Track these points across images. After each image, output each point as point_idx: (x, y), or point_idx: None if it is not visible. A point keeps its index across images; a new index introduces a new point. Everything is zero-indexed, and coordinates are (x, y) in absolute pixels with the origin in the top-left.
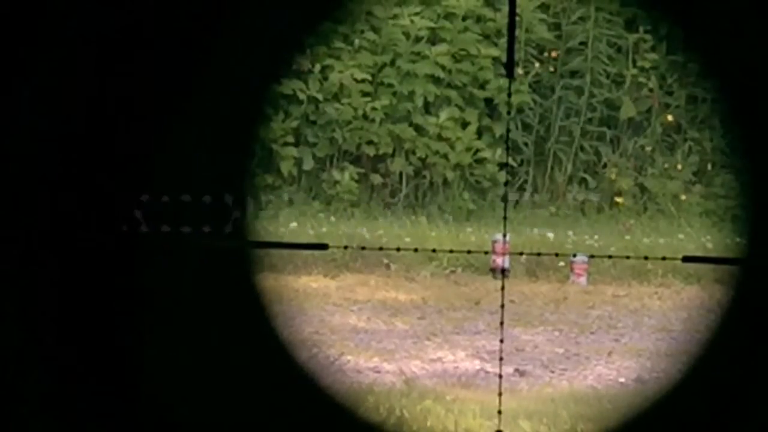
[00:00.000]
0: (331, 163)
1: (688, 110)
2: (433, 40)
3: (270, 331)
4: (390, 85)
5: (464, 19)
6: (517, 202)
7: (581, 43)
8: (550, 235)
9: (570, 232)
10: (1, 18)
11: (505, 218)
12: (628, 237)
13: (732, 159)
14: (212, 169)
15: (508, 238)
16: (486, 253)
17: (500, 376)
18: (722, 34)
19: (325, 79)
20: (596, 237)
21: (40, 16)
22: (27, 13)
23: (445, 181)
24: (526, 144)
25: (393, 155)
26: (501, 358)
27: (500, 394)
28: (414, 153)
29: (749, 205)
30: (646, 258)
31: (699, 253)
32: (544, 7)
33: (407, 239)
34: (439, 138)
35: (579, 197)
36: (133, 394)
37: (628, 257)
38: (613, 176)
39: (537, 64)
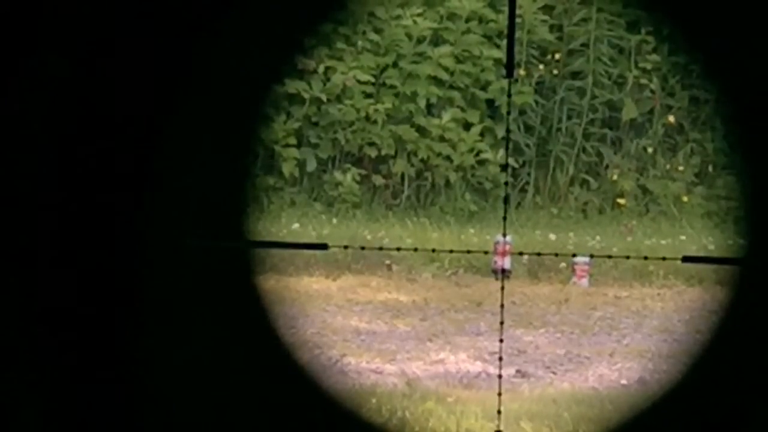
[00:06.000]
0: (333, 164)
1: (689, 111)
2: (436, 41)
3: (271, 333)
4: (392, 87)
5: (467, 20)
6: (518, 203)
7: (583, 45)
8: (552, 236)
9: (571, 234)
10: None
11: (505, 219)
12: (629, 238)
13: (733, 160)
14: (213, 170)
15: (509, 239)
16: (486, 253)
17: (499, 376)
18: (724, 35)
19: (328, 80)
20: (598, 238)
21: (38, 16)
22: (24, 13)
23: (447, 183)
24: (528, 145)
25: (395, 156)
26: (500, 358)
27: (499, 394)
28: (416, 154)
29: (750, 206)
30: (646, 258)
31: (701, 255)
32: (546, 9)
33: (409, 241)
34: (441, 139)
35: (581, 198)
36: (134, 395)
37: (628, 257)
38: (614, 177)
39: (539, 66)
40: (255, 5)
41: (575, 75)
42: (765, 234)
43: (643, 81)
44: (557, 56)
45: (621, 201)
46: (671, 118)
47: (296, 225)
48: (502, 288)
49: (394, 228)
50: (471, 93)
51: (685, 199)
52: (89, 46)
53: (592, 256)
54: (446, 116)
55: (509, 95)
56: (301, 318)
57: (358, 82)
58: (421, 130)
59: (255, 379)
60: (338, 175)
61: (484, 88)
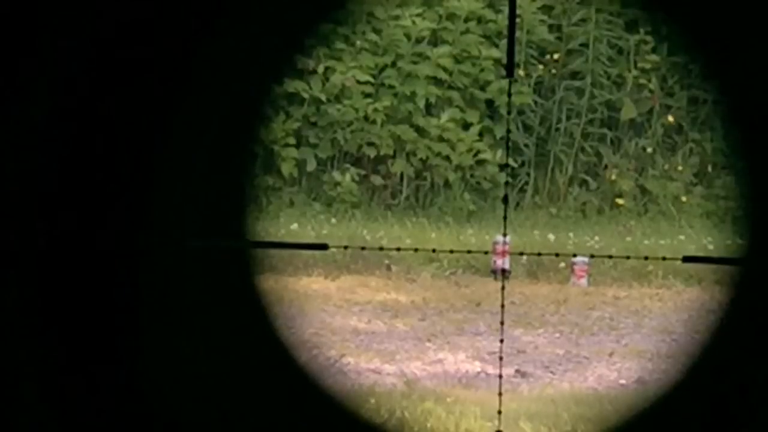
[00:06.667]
0: (332, 164)
1: (689, 111)
2: (435, 41)
3: (270, 333)
4: (391, 87)
5: (466, 20)
6: (518, 203)
7: (582, 45)
8: (551, 236)
9: (571, 234)
10: None
11: (505, 219)
12: (628, 238)
13: (732, 160)
14: (212, 170)
15: (508, 239)
16: (486, 253)
17: (500, 376)
18: (724, 35)
19: (327, 80)
20: (597, 238)
21: (38, 16)
22: (23, 15)
23: (446, 183)
24: (527, 145)
25: (394, 156)
26: (501, 358)
27: (500, 394)
28: (415, 154)
29: (750, 206)
30: (645, 258)
31: (700, 255)
32: (545, 9)
33: (408, 241)
34: (440, 139)
35: (580, 198)
36: (133, 395)
37: (627, 257)
38: (613, 177)
39: (538, 66)
40: (255, 5)
41: (574, 75)
42: (765, 234)
43: (642, 81)
44: (556, 56)
45: (620, 201)
46: (670, 118)
47: (295, 225)
48: (503, 288)
49: (393, 228)
50: (470, 93)
51: (684, 199)
52: (89, 46)
53: (591, 256)
54: (445, 116)
55: (509, 95)
56: (300, 318)
57: (357, 82)
58: (420, 130)
59: (254, 379)
60: (337, 175)
61: (483, 88)
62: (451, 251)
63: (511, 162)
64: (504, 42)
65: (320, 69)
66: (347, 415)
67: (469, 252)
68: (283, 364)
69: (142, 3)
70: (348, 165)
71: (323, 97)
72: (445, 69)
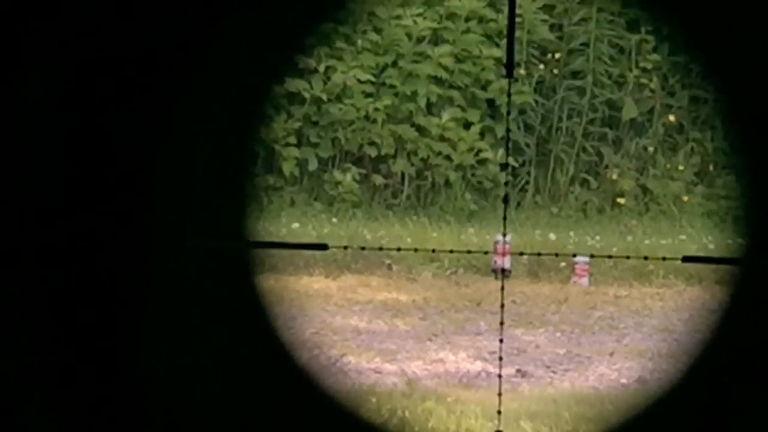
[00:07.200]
0: (333, 163)
1: (690, 111)
2: (436, 40)
3: (271, 332)
4: (392, 86)
5: (467, 20)
6: (518, 203)
7: (583, 44)
8: (552, 236)
9: (571, 233)
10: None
11: (505, 218)
12: (629, 238)
13: (733, 160)
14: (212, 170)
15: (509, 238)
16: (486, 252)
17: (500, 376)
18: (724, 34)
19: (328, 79)
20: (598, 238)
21: (37, 16)
22: (24, 15)
23: (447, 182)
24: (528, 145)
25: (395, 156)
26: (500, 358)
27: (500, 394)
28: (416, 154)
29: (750, 206)
30: (646, 258)
31: (701, 254)
32: (546, 8)
33: (409, 240)
34: (441, 139)
35: (581, 198)
36: (133, 395)
37: (628, 257)
38: (614, 177)
39: (539, 65)
40: (255, 5)
41: (575, 74)
42: (765, 234)
43: (643, 80)
44: (557, 56)
45: (621, 200)
46: (671, 118)
47: (296, 224)
48: (502, 288)
49: (393, 227)
50: (471, 92)
51: (685, 198)
52: (90, 47)
53: (592, 255)
54: (446, 116)
55: (509, 95)
56: (300, 318)
57: (358, 81)
58: (421, 130)
59: (255, 378)
60: (338, 175)
61: (484, 88)
62: (452, 251)
63: (511, 161)
64: (505, 41)
65: (321, 68)
66: (348, 415)
67: (469, 252)
68: (283, 364)
69: (142, 3)
70: (349, 164)
71: (324, 97)
72: (446, 68)
